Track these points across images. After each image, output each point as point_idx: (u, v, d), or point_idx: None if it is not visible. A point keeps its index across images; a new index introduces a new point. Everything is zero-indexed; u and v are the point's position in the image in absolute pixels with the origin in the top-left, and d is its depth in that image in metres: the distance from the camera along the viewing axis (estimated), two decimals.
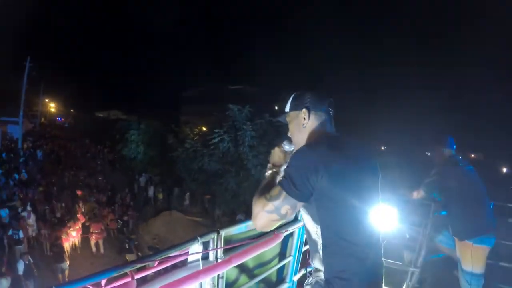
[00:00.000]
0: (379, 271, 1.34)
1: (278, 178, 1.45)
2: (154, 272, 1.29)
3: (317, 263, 1.36)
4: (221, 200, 13.77)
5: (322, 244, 1.31)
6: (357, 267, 1.27)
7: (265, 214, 1.28)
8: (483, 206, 2.60)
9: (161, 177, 19.56)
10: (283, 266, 2.15)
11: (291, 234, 2.11)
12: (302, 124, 1.45)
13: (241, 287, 1.78)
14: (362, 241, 1.29)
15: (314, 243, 1.36)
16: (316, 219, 1.31)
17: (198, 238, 1.39)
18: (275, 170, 1.51)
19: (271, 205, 1.27)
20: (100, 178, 18.76)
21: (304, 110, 1.44)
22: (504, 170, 27.12)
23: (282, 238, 1.89)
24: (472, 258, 2.52)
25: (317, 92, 1.48)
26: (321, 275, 1.33)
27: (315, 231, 1.34)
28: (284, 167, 1.50)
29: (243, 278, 1.84)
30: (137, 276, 1.16)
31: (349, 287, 1.26)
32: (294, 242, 2.16)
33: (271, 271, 2.02)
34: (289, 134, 1.54)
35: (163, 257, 1.25)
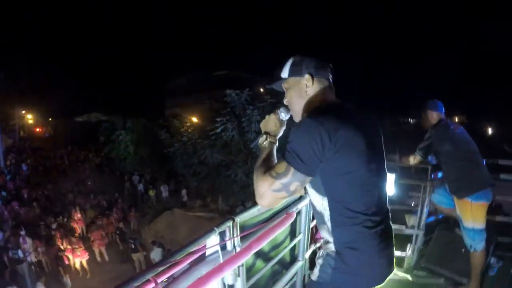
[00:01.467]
0: (389, 238, 1.37)
1: (274, 148, 1.43)
2: (176, 272, 1.27)
3: (325, 235, 1.36)
4: (230, 192, 13.45)
5: (330, 215, 1.31)
6: (367, 235, 1.28)
7: (273, 193, 1.25)
8: (478, 163, 2.76)
9: (153, 175, 19.43)
10: (295, 245, 2.23)
11: (299, 212, 2.16)
12: (305, 91, 1.40)
13: (258, 272, 1.83)
14: (371, 210, 1.30)
15: (320, 215, 1.35)
16: (322, 190, 1.29)
17: (215, 228, 1.40)
18: (271, 140, 1.44)
19: (278, 183, 1.24)
20: (89, 183, 18.90)
21: (307, 76, 1.38)
22: (490, 130, 28.18)
23: (294, 217, 1.95)
24: (472, 214, 2.69)
25: (317, 58, 1.42)
26: (331, 246, 1.33)
27: (320, 203, 1.33)
28: (279, 135, 1.49)
29: (259, 262, 1.91)
30: (159, 280, 1.15)
31: (360, 256, 1.28)
32: (303, 219, 2.23)
33: (284, 251, 2.10)
34: (285, 102, 1.48)
35: (183, 255, 1.25)
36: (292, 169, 1.22)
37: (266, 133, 1.47)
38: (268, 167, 1.29)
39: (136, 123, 20.56)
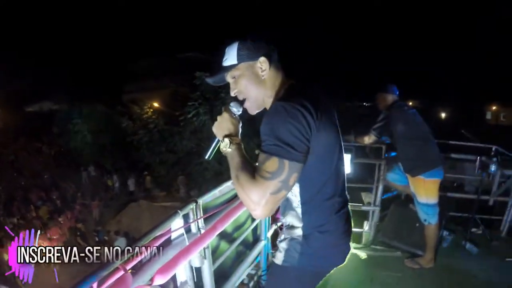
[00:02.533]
0: (350, 218, 1.40)
1: (243, 149, 1.27)
2: (143, 258, 1.27)
3: (292, 220, 1.33)
4: (202, 180, 12.90)
5: (301, 201, 1.27)
6: (335, 218, 1.31)
7: (272, 196, 1.10)
8: (430, 143, 2.96)
9: (114, 164, 18.56)
10: (256, 225, 2.31)
11: None
12: (261, 75, 1.28)
13: (223, 253, 1.89)
14: (337, 193, 1.31)
15: (288, 201, 1.31)
16: None
17: (179, 211, 1.42)
18: (236, 141, 1.26)
19: (276, 183, 1.10)
20: (46, 176, 17.79)
21: (262, 58, 1.26)
22: (443, 115, 30.34)
23: None
24: (425, 191, 2.91)
25: (263, 38, 1.30)
26: (299, 231, 1.31)
27: None
28: (240, 133, 1.33)
29: (223, 244, 1.97)
30: (128, 267, 1.15)
31: (327, 238, 1.30)
32: None
33: (247, 232, 2.17)
34: (233, 93, 1.32)
35: (148, 241, 1.26)
36: (286, 162, 1.10)
37: (227, 135, 1.28)
38: (252, 171, 1.14)
39: (92, 111, 19.44)
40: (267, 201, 1.10)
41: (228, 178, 1.87)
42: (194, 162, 12.56)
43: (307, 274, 1.37)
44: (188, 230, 1.55)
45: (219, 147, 1.30)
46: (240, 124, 1.35)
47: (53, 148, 22.24)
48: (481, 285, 2.92)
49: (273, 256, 1.45)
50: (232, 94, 1.33)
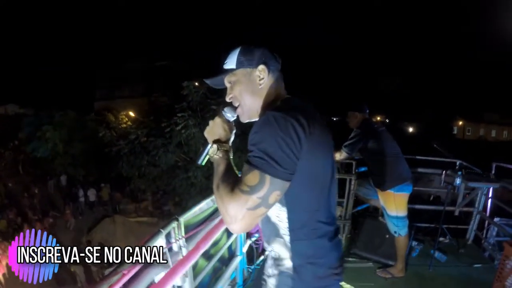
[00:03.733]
0: (341, 246, 1.30)
1: (231, 157, 1.23)
2: (128, 281, 1.24)
3: (279, 249, 1.22)
4: (188, 197, 12.26)
5: (289, 228, 1.17)
6: (327, 248, 1.20)
7: (249, 212, 1.01)
8: (399, 159, 3.13)
9: (87, 176, 17.70)
10: (232, 241, 2.36)
11: None
12: (258, 84, 1.23)
13: (202, 270, 1.92)
14: (330, 218, 1.22)
15: (273, 227, 1.21)
16: (282, 199, 1.11)
17: (161, 230, 1.43)
18: (224, 148, 1.22)
19: (254, 199, 1.01)
20: (10, 185, 17.01)
21: (261, 66, 1.22)
22: (410, 129, 31.88)
23: None
24: (395, 204, 3.07)
25: (267, 47, 1.27)
26: (286, 263, 1.20)
27: (276, 213, 1.18)
28: (232, 139, 1.30)
29: (201, 261, 2.00)
30: None
31: (319, 270, 1.19)
32: None
33: (224, 248, 2.20)
34: (228, 99, 1.29)
35: (131, 262, 1.24)
36: (268, 177, 1.01)
37: (216, 141, 1.24)
38: (233, 182, 1.06)
39: (64, 117, 18.19)
40: (243, 216, 1.01)
41: (209, 194, 1.92)
42: (180, 177, 11.93)
43: None
44: (170, 249, 1.56)
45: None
46: (234, 130, 1.31)
47: (18, 155, 20.91)
48: None
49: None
50: (227, 99, 1.29)
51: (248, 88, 1.24)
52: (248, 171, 1.03)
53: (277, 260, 1.24)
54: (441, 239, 3.82)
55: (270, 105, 1.22)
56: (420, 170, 4.11)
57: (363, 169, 3.36)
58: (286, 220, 1.16)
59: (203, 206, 1.91)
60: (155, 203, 15.55)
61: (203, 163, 1.30)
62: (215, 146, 1.22)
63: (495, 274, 3.00)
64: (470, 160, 4.16)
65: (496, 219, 3.92)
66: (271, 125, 1.04)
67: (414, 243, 3.69)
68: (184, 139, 11.67)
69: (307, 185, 1.13)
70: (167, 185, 12.65)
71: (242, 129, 1.31)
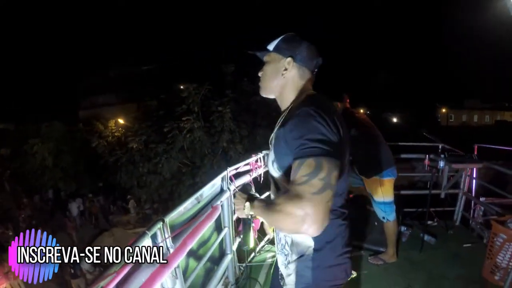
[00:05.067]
0: (350, 226, 1.34)
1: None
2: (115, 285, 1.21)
3: (301, 236, 1.26)
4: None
5: None
6: (343, 229, 1.27)
7: (316, 197, 0.96)
8: (382, 145, 3.14)
9: (79, 190, 16.89)
10: (221, 240, 2.34)
11: (222, 206, 2.24)
12: (281, 73, 1.32)
13: (193, 272, 1.89)
14: (343, 201, 1.29)
15: None
16: None
17: (147, 232, 1.41)
18: (254, 197, 1.29)
19: (316, 181, 0.97)
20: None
21: (288, 59, 1.30)
22: (394, 120, 32.42)
23: (220, 210, 2.04)
24: (382, 190, 3.08)
25: (310, 45, 1.33)
26: (308, 244, 1.25)
27: None
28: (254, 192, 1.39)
29: (191, 262, 1.97)
30: None
31: (337, 251, 1.26)
32: (226, 213, 2.34)
33: (213, 248, 2.18)
34: (260, 73, 1.40)
35: (120, 266, 1.23)
36: (323, 159, 1.01)
37: (247, 200, 1.28)
38: (282, 193, 1.06)
39: (52, 129, 17.26)
40: (313, 206, 0.95)
41: (191, 194, 1.93)
42: (186, 184, 11.31)
43: None
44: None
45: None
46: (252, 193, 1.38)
47: (3, 172, 19.42)
48: (443, 271, 3.13)
49: (284, 284, 1.37)
50: (259, 73, 1.40)
51: (273, 71, 1.34)
52: (299, 165, 1.02)
53: (293, 245, 1.28)
54: (429, 222, 3.87)
55: (295, 97, 1.31)
56: (403, 156, 4.14)
57: None
58: None
59: (188, 205, 1.89)
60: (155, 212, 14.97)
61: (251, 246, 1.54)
62: (247, 204, 1.26)
63: (485, 252, 3.05)
64: (455, 145, 4.21)
65: (481, 199, 3.98)
66: (310, 119, 1.09)
67: (403, 228, 3.72)
68: (187, 144, 11.20)
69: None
70: (171, 193, 11.96)
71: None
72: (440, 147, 4.14)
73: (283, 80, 1.33)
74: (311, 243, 1.23)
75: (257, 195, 1.35)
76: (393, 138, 3.80)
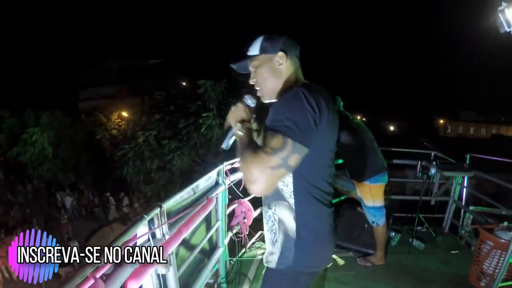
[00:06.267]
0: (335, 218, 1.41)
1: (253, 134, 1.36)
2: (113, 265, 1.25)
3: (283, 213, 1.32)
4: None
5: (294, 191, 1.28)
6: (326, 215, 1.33)
7: (271, 171, 1.10)
8: (374, 150, 3.16)
9: (78, 182, 16.32)
10: (213, 232, 2.36)
11: (216, 199, 2.25)
12: (278, 69, 1.36)
13: (185, 260, 1.90)
14: (329, 189, 1.34)
15: (279, 192, 1.31)
16: None
17: (145, 216, 1.43)
18: (247, 126, 1.33)
19: (276, 159, 1.10)
20: None
21: (280, 53, 1.35)
22: (392, 128, 32.48)
23: (215, 202, 2.05)
24: (371, 195, 3.10)
25: (287, 37, 1.39)
26: (291, 226, 1.31)
27: (282, 178, 1.28)
28: (253, 122, 1.41)
29: (183, 251, 1.99)
30: (98, 275, 1.14)
31: (318, 237, 1.32)
32: (220, 206, 2.36)
33: (205, 239, 2.20)
34: (251, 82, 1.43)
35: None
36: (290, 141, 1.11)
37: (240, 121, 1.35)
38: (256, 148, 1.16)
39: (52, 119, 16.65)
40: (265, 176, 1.10)
41: (189, 183, 1.96)
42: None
43: (302, 276, 1.36)
44: (153, 236, 1.55)
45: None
46: (254, 115, 1.42)
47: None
48: (430, 276, 3.16)
49: (266, 262, 1.42)
50: (251, 82, 1.43)
51: (269, 72, 1.37)
52: (271, 137, 1.13)
53: (280, 223, 1.34)
54: (418, 228, 3.89)
55: (290, 88, 1.29)
56: (395, 161, 4.17)
57: (340, 161, 3.40)
58: (292, 185, 1.28)
59: (184, 195, 1.92)
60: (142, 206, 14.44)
61: (229, 147, 1.40)
62: (239, 124, 1.32)
63: (472, 259, 3.09)
64: (454, 156, 4.25)
65: (471, 207, 4.03)
66: (298, 98, 1.17)
67: (392, 232, 3.74)
68: (202, 141, 10.92)
69: (315, 157, 1.23)
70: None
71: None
72: (432, 154, 4.19)
73: (280, 75, 1.37)
74: (293, 224, 1.30)
75: (254, 126, 1.40)
76: (389, 145, 3.84)
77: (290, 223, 1.31)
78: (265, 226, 1.43)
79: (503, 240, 2.83)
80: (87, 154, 16.13)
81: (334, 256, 3.44)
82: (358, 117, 3.67)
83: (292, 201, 1.29)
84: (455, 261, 3.45)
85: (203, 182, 2.19)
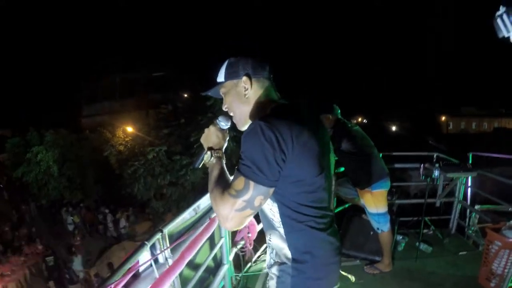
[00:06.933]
0: (337, 235, 1.34)
1: (223, 162, 1.30)
2: None
3: (278, 241, 1.30)
4: None
5: (281, 221, 1.24)
6: (322, 237, 1.26)
7: (237, 213, 1.11)
8: (374, 156, 3.14)
9: (84, 200, 16.02)
10: (217, 250, 2.33)
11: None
12: (244, 95, 1.30)
13: (190, 281, 1.87)
14: (321, 213, 1.26)
15: (269, 221, 1.30)
16: (273, 196, 1.20)
17: (146, 243, 1.40)
18: (217, 154, 1.31)
19: (240, 202, 1.10)
20: None
21: (244, 78, 1.28)
22: (394, 128, 32.43)
23: (217, 221, 2.02)
24: (374, 201, 3.08)
25: (254, 57, 1.33)
26: (287, 253, 1.27)
27: (269, 208, 1.26)
28: (225, 146, 1.37)
29: (187, 271, 1.96)
30: None
31: (316, 260, 1.25)
32: None
33: (210, 257, 2.17)
34: (224, 108, 1.37)
35: (120, 276, 1.24)
36: (252, 183, 1.10)
37: (210, 148, 1.33)
38: (224, 186, 1.16)
39: (57, 136, 16.47)
40: (233, 217, 1.11)
41: (189, 205, 1.94)
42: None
43: None
44: (155, 261, 1.53)
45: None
46: (227, 138, 1.39)
47: (1, 179, 19.06)
48: (439, 279, 3.13)
49: (267, 286, 1.39)
50: (224, 108, 1.38)
51: (235, 98, 1.31)
52: (236, 177, 1.12)
53: (278, 251, 1.32)
54: (425, 231, 3.86)
55: (260, 113, 1.26)
56: (397, 165, 4.15)
57: (342, 169, 3.38)
58: (278, 215, 1.24)
59: (186, 216, 1.90)
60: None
61: (199, 166, 1.38)
62: (209, 153, 1.31)
63: (481, 260, 3.05)
64: (457, 153, 4.22)
65: (476, 207, 3.99)
66: (257, 134, 1.10)
67: (399, 237, 3.71)
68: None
69: (294, 185, 1.18)
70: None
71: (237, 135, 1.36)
72: (434, 156, 4.16)
73: (248, 101, 1.31)
74: (288, 251, 1.27)
75: (222, 152, 1.35)
76: (393, 147, 3.82)
77: (285, 250, 1.28)
78: (267, 250, 1.42)
79: (511, 240, 2.80)
80: (94, 172, 15.97)
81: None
82: (359, 119, 3.66)
83: (281, 230, 1.26)
84: (464, 262, 3.41)
85: (205, 201, 2.18)
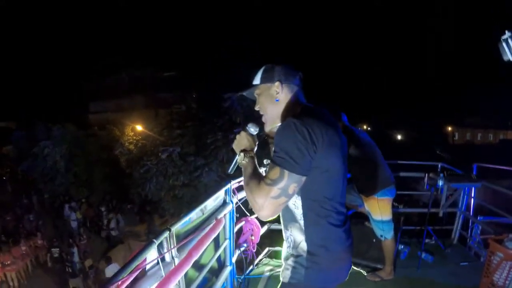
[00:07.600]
0: (351, 234, 1.47)
1: (256, 162, 1.43)
2: None
3: (296, 234, 1.40)
4: None
5: (303, 213, 1.35)
6: (337, 233, 1.37)
7: (273, 200, 1.23)
8: (381, 164, 3.14)
9: (90, 197, 15.72)
10: (221, 251, 2.35)
11: (224, 218, 2.25)
12: (275, 97, 1.45)
13: (194, 281, 1.89)
14: (340, 208, 1.39)
15: (291, 213, 1.40)
16: (298, 190, 1.30)
17: (154, 240, 1.42)
18: (250, 154, 1.43)
19: (276, 190, 1.23)
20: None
21: (276, 83, 1.44)
22: (399, 137, 32.16)
23: (224, 222, 2.05)
24: (379, 209, 3.07)
25: (287, 65, 1.49)
26: (304, 246, 1.37)
27: (293, 201, 1.36)
28: (255, 149, 1.49)
29: (191, 272, 1.96)
30: None
31: (331, 254, 1.37)
32: (227, 225, 2.36)
33: (214, 258, 2.19)
34: (256, 108, 1.53)
35: (127, 273, 1.24)
36: (286, 172, 1.23)
37: (243, 150, 1.46)
38: (259, 178, 1.29)
39: (65, 132, 16.28)
40: (268, 204, 1.23)
41: (197, 205, 1.98)
42: None
43: None
44: (162, 259, 1.53)
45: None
46: (257, 142, 1.51)
47: (3, 170, 18.97)
48: None
49: (281, 277, 1.47)
50: (256, 108, 1.53)
51: (267, 100, 1.47)
52: (271, 168, 1.26)
53: (295, 243, 1.41)
54: (427, 240, 3.84)
55: (289, 113, 1.41)
56: (402, 174, 4.14)
57: (348, 175, 3.38)
58: (301, 207, 1.36)
59: (193, 216, 1.93)
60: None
61: (232, 172, 1.54)
62: (242, 154, 1.44)
63: (482, 271, 3.03)
64: (463, 164, 4.20)
65: (479, 218, 3.97)
66: (291, 129, 1.25)
67: (401, 246, 3.69)
68: (229, 157, 10.27)
69: (320, 179, 1.31)
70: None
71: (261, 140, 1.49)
72: (439, 166, 4.15)
73: (278, 103, 1.46)
74: (304, 244, 1.38)
75: (254, 153, 1.47)
76: (396, 157, 3.81)
77: (302, 243, 1.38)
78: (284, 244, 1.51)
79: None
80: (101, 169, 15.82)
81: None
82: (364, 127, 3.66)
83: (302, 222, 1.37)
84: (465, 273, 3.39)
85: (211, 202, 2.20)
